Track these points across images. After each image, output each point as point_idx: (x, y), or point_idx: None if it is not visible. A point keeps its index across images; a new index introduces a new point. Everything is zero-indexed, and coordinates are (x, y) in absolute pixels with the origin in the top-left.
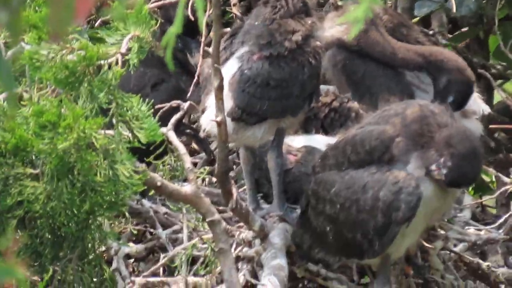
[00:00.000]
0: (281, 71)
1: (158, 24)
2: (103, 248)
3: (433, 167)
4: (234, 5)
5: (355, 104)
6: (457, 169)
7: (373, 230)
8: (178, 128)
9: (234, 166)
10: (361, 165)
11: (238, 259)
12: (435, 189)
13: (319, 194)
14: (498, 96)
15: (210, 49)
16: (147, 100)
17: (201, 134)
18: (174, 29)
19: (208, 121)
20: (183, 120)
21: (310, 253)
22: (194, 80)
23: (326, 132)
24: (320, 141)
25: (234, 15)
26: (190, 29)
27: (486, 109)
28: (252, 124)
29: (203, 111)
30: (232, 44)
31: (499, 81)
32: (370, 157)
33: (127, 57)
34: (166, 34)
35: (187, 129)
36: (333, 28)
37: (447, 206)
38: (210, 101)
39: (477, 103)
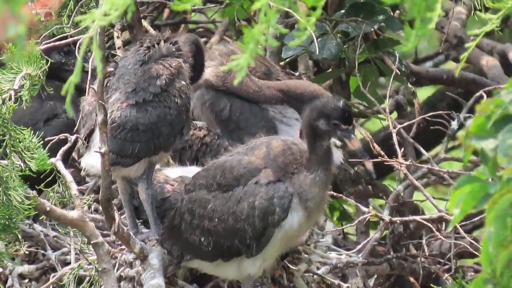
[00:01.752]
0: (149, 116)
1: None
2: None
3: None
4: (119, 48)
5: (224, 141)
6: None
7: (250, 236)
8: (67, 160)
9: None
10: (228, 188)
11: (120, 278)
12: (303, 212)
13: (195, 212)
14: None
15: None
16: (37, 133)
17: (82, 174)
18: (74, 78)
19: (87, 163)
20: (72, 154)
21: (181, 259)
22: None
23: (198, 162)
24: (195, 172)
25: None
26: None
27: None
28: (128, 166)
29: (81, 155)
30: (108, 87)
31: (361, 120)
32: (237, 182)
33: (19, 94)
34: (66, 83)
35: (75, 162)
36: None
37: (307, 228)
38: (92, 143)
39: None
